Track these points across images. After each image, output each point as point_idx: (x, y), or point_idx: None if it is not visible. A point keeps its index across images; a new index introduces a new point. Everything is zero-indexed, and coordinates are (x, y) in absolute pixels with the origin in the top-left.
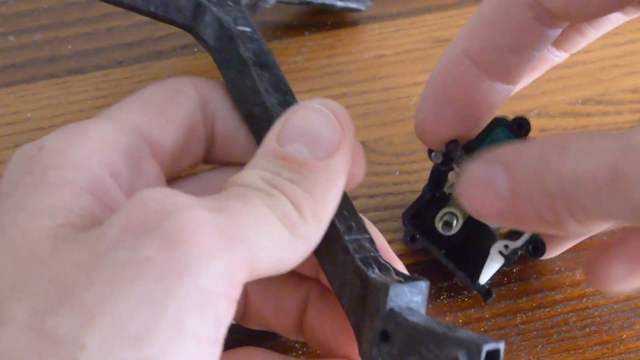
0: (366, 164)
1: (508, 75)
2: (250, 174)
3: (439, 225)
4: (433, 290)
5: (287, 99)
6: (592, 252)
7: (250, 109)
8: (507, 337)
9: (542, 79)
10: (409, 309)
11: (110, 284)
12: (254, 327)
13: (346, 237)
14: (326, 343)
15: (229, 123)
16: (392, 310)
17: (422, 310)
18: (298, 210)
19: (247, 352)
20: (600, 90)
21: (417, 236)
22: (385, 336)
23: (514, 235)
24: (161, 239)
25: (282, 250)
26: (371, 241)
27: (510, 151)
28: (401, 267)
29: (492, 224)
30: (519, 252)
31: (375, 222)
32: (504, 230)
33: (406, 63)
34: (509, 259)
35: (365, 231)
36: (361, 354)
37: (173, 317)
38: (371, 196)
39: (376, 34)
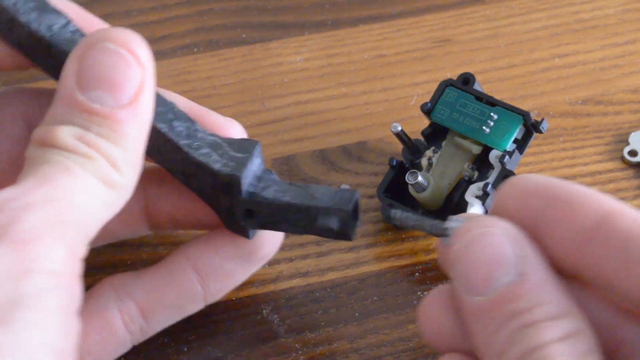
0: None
1: None
2: (61, 132)
3: (412, 190)
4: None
5: (51, 19)
6: None
7: (19, 41)
8: None
9: (542, 79)
10: (260, 178)
11: None
12: (101, 243)
13: (173, 137)
14: (173, 220)
15: None
16: (248, 192)
17: (262, 165)
18: (114, 166)
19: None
20: (600, 90)
21: (394, 205)
22: (249, 213)
23: (482, 175)
24: (8, 242)
25: (108, 209)
26: (192, 122)
27: (538, 271)
28: (232, 126)
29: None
30: (491, 187)
31: (375, 223)
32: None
33: (406, 63)
34: (484, 197)
35: (184, 117)
36: (228, 226)
37: (33, 299)
38: (371, 196)
39: (376, 34)
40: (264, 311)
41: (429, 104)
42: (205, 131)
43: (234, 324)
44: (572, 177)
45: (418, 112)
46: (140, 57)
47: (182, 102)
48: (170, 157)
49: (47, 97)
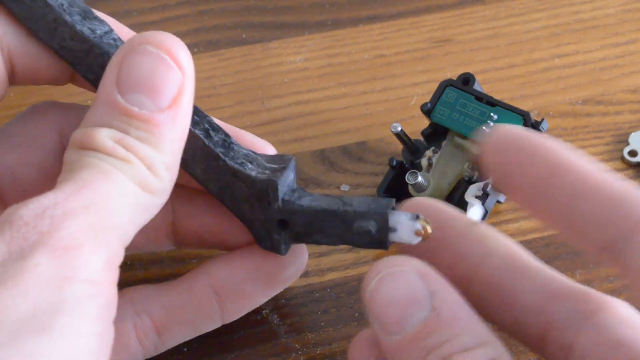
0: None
1: None
2: (100, 134)
3: (412, 190)
4: None
5: (95, 24)
6: None
7: (61, 42)
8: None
9: (542, 79)
10: (293, 190)
11: (4, 289)
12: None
13: (209, 144)
14: (199, 238)
15: (29, 56)
16: (283, 200)
17: (295, 180)
18: (152, 170)
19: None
20: (600, 90)
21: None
22: (283, 224)
23: (482, 176)
24: (50, 250)
25: (144, 213)
26: (227, 135)
27: (450, 304)
28: (265, 146)
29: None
30: (491, 188)
31: None
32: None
33: (406, 63)
34: (484, 197)
35: (220, 129)
36: (260, 241)
37: (73, 306)
38: (371, 196)
39: (376, 34)
40: (264, 311)
41: (429, 104)
42: (239, 145)
43: (234, 324)
44: None
45: (418, 112)
46: (181, 61)
47: (215, 121)
48: (205, 165)
49: (81, 111)
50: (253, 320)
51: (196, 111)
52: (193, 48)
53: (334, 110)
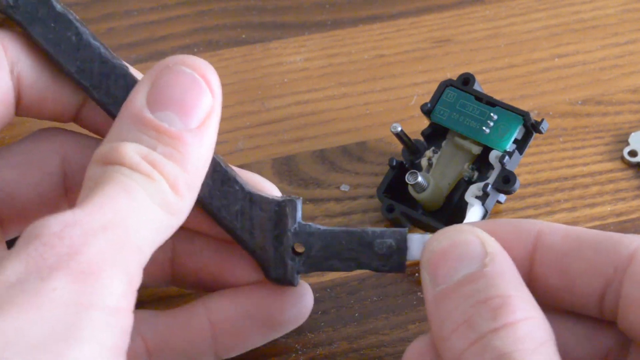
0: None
1: None
2: (127, 148)
3: (411, 190)
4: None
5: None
6: None
7: (80, 65)
8: None
9: (542, 79)
10: (301, 224)
11: (20, 311)
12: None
13: (227, 168)
14: (197, 278)
15: (38, 86)
16: (299, 223)
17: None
18: (173, 188)
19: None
20: (600, 90)
21: (394, 205)
22: (297, 252)
23: (482, 175)
24: (69, 274)
25: (162, 233)
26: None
27: (499, 259)
28: (271, 188)
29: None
30: (491, 188)
31: (375, 223)
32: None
33: (406, 63)
34: (484, 197)
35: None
36: (271, 273)
37: (88, 334)
38: (371, 196)
39: (376, 34)
40: None
41: (429, 104)
42: (247, 183)
43: None
44: (572, 177)
45: (418, 112)
46: (213, 85)
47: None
48: (220, 191)
49: (87, 140)
50: None
51: None
52: (193, 48)
53: (334, 110)
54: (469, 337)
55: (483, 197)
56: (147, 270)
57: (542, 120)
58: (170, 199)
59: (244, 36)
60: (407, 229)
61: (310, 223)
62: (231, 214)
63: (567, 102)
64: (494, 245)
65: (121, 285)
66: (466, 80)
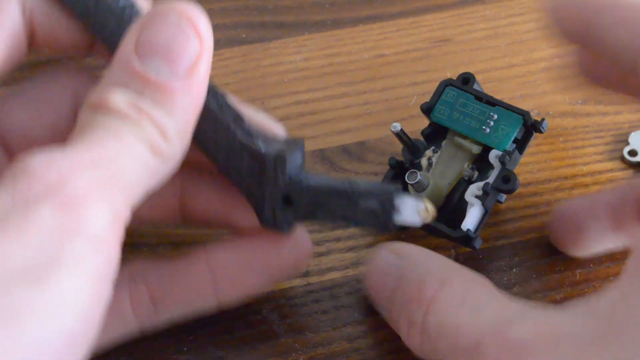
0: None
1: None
2: (115, 96)
3: (411, 190)
4: None
5: None
6: (558, 219)
7: (84, 10)
8: None
9: (542, 78)
10: (299, 169)
11: (3, 237)
12: (135, 225)
13: (221, 116)
14: (206, 217)
15: (49, 20)
16: (290, 177)
17: (303, 164)
18: (162, 134)
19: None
20: (600, 90)
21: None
22: (288, 200)
23: (482, 175)
24: (55, 204)
25: (153, 177)
26: (240, 114)
27: (410, 256)
28: (278, 129)
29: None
30: (491, 187)
31: None
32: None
33: (406, 63)
34: (484, 197)
35: (233, 106)
36: (263, 219)
37: (71, 262)
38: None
39: (376, 34)
40: (264, 311)
41: (429, 104)
42: (251, 124)
43: (234, 324)
44: (572, 177)
45: (418, 112)
46: (200, 31)
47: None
48: (214, 137)
49: (97, 77)
50: (253, 320)
51: (212, 86)
52: None
53: (334, 110)
54: (417, 331)
55: (483, 197)
56: (157, 210)
57: (543, 120)
58: (159, 144)
59: (244, 36)
60: (394, 187)
61: (303, 173)
62: (224, 160)
63: (567, 102)
64: (402, 249)
65: (106, 217)
66: (466, 80)
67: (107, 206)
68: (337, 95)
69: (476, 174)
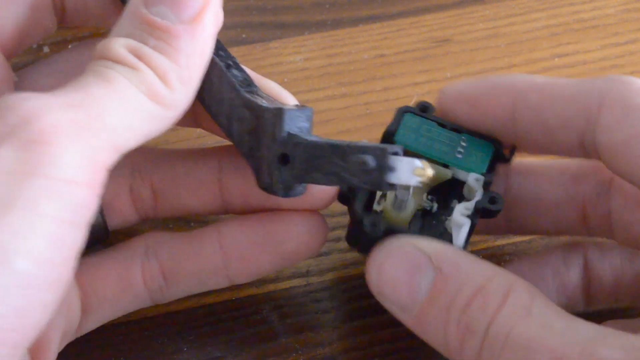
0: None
1: None
2: (115, 43)
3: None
4: None
5: None
6: None
7: None
8: None
9: None
10: (300, 129)
11: None
12: (171, 214)
13: (227, 73)
14: (245, 198)
15: None
16: (288, 133)
17: (310, 129)
18: (163, 79)
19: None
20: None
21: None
22: (284, 158)
23: (443, 205)
24: (18, 143)
25: (150, 123)
26: (249, 78)
27: (448, 257)
28: (287, 97)
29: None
30: (478, 206)
31: None
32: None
33: (406, 63)
34: (473, 216)
35: (243, 70)
36: (260, 182)
37: (27, 202)
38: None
39: (376, 34)
40: (264, 311)
41: (391, 128)
42: (260, 89)
43: (234, 324)
44: None
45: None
46: None
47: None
48: (219, 96)
49: None
50: (253, 320)
51: (223, 49)
52: None
53: (334, 110)
54: (477, 341)
55: (473, 216)
56: (198, 196)
57: (514, 148)
58: (160, 90)
59: (244, 36)
60: (387, 146)
61: (301, 134)
62: (226, 118)
63: None
64: (427, 244)
65: (75, 158)
66: (424, 108)
67: (79, 147)
68: (337, 95)
69: (435, 205)
